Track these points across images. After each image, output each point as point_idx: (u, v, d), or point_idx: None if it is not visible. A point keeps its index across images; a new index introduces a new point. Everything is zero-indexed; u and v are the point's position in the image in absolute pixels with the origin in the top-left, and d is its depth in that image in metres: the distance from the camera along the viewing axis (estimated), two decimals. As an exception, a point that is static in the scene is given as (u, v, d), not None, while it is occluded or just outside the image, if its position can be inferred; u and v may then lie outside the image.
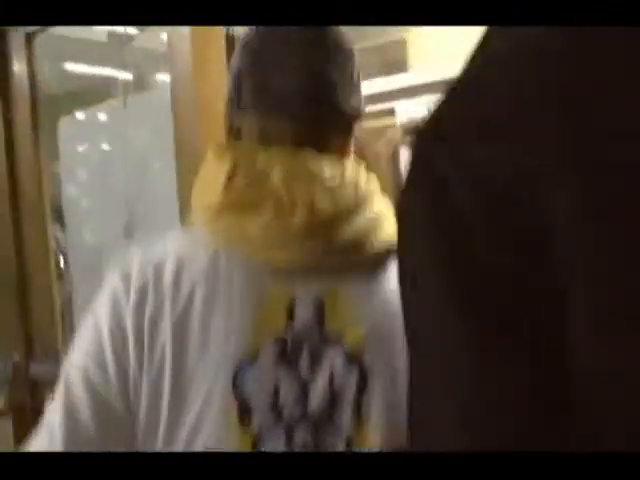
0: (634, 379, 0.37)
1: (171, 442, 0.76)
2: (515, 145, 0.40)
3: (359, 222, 0.79)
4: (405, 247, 0.48)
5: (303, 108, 0.82)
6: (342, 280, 0.81)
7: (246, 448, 0.76)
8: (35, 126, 2.05)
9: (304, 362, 0.78)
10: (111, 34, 2.42)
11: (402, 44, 4.17)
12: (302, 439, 0.77)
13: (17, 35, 2.04)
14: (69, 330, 2.12)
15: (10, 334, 2.13)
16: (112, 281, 0.81)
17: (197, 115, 1.56)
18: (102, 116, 2.00)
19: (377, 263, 0.82)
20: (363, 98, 0.88)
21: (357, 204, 0.80)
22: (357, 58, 0.87)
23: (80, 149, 2.07)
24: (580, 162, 0.38)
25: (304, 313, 0.79)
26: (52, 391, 0.81)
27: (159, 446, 0.77)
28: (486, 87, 0.43)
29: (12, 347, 2.13)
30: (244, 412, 0.76)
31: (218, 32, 1.59)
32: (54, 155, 2.10)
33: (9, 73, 2.06)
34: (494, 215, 0.40)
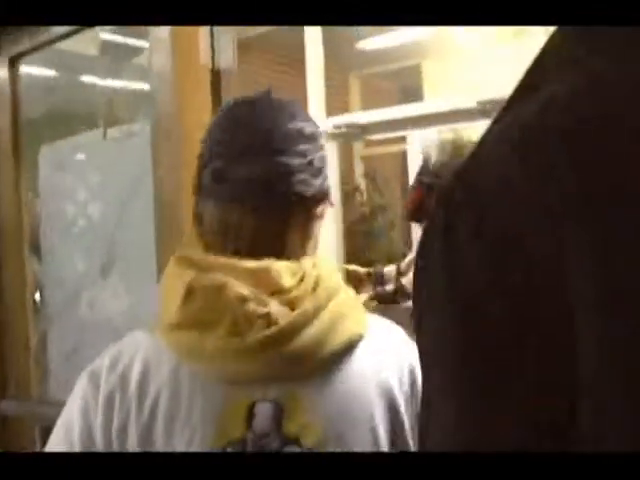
0: None
1: None
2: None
3: (316, 329, 0.81)
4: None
5: (261, 196, 0.84)
6: (299, 382, 0.82)
7: None
8: (16, 155, 2.01)
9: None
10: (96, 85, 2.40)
11: (417, 70, 4.17)
12: None
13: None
14: (43, 368, 2.04)
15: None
16: (82, 384, 0.85)
17: (178, 154, 1.51)
18: (82, 149, 1.95)
19: (335, 361, 0.83)
20: (328, 180, 0.90)
21: (315, 308, 0.81)
22: (322, 142, 0.89)
23: (60, 180, 2.01)
24: (593, 228, 0.35)
25: (263, 418, 0.81)
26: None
27: None
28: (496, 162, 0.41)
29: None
30: None
31: (203, 70, 1.56)
32: (33, 185, 2.06)
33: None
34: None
